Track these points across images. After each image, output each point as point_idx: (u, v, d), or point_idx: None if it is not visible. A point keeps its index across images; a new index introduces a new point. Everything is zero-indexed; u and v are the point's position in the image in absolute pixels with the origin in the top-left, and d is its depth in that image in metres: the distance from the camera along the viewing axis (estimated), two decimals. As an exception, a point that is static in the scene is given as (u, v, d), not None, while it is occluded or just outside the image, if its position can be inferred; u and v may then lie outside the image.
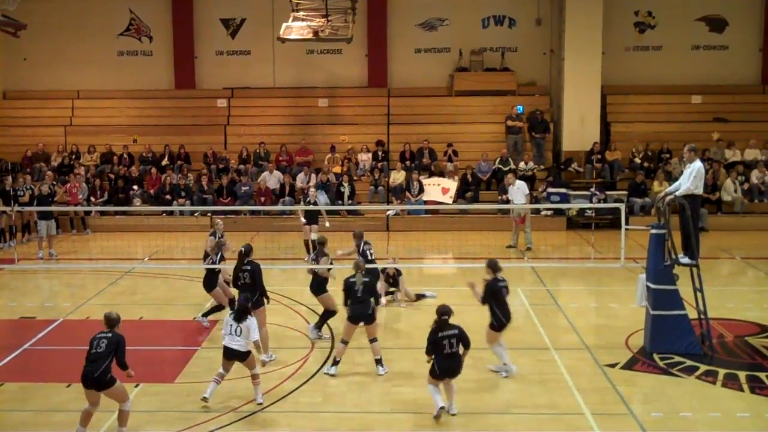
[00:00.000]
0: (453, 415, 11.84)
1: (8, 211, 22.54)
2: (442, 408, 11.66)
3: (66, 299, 18.02)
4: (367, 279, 13.55)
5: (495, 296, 13.21)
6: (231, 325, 12.18)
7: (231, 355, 12.21)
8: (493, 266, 13.28)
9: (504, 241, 22.97)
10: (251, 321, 12.24)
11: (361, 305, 13.40)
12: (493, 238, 23.31)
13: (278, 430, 11.60)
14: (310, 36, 24.74)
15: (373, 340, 13.59)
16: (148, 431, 11.46)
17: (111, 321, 11.35)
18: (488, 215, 25.30)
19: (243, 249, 14.32)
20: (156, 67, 30.84)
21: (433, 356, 11.72)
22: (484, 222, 25.00)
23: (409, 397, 12.59)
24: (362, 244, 16.27)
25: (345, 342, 13.53)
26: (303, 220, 21.01)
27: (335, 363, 13.53)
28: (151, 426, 11.65)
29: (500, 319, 13.24)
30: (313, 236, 20.24)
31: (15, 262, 20.11)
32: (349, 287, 13.52)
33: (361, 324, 13.46)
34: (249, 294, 13.86)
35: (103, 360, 10.91)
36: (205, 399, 12.12)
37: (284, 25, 24.63)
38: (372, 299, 13.62)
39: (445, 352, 11.67)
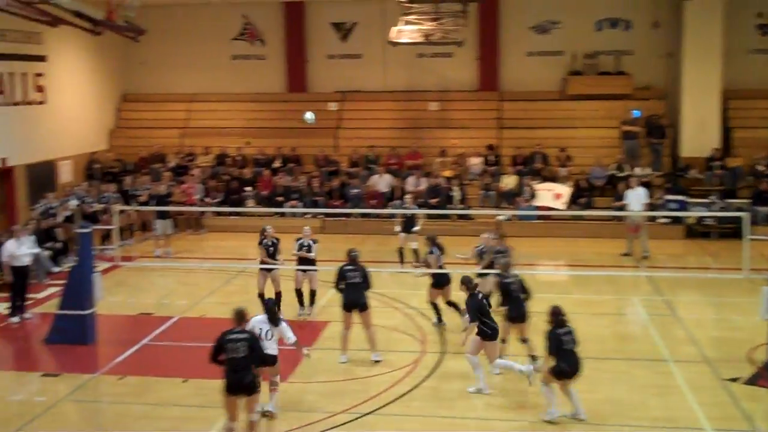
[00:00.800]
0: (582, 420, 11.62)
1: (127, 210, 23.28)
2: (557, 414, 11.54)
3: (182, 297, 18.42)
4: (518, 278, 13.87)
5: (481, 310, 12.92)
6: (262, 328, 11.79)
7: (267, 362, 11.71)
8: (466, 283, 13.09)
9: (618, 249, 22.40)
10: (283, 323, 12.03)
11: (518, 304, 13.64)
12: (607, 245, 22.84)
13: (389, 432, 11.57)
14: (420, 39, 24.67)
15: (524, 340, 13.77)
16: (262, 429, 11.54)
17: (243, 315, 10.91)
18: (602, 222, 24.72)
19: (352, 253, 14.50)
20: (269, 71, 31.28)
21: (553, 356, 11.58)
22: (598, 229, 24.43)
23: (522, 403, 12.38)
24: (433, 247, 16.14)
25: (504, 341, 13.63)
26: (398, 228, 20.86)
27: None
28: (263, 424, 11.75)
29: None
30: (413, 245, 20.36)
31: (133, 260, 20.78)
32: (506, 287, 13.71)
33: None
34: (356, 294, 14.03)
35: (248, 365, 10.58)
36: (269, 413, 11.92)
37: (395, 28, 24.64)
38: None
39: (566, 348, 11.57)
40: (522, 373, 12.65)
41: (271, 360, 11.72)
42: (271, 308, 12.12)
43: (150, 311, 17.46)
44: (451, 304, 15.76)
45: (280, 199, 26.39)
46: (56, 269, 20.64)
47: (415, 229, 20.60)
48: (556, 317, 11.73)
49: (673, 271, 20.51)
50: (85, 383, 13.47)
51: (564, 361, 11.52)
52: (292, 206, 25.82)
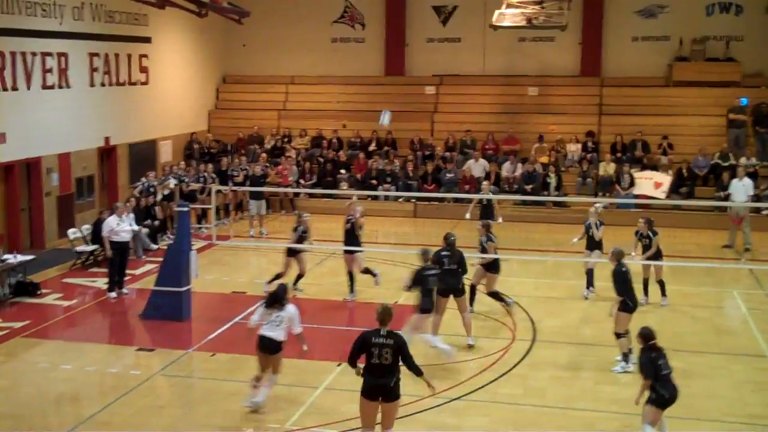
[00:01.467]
0: None
1: (224, 190, 23.64)
2: None
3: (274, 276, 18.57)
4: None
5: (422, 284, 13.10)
6: (272, 313, 11.42)
7: (267, 347, 11.46)
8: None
9: (720, 241, 21.70)
10: (292, 308, 11.56)
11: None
12: (708, 236, 22.18)
13: (477, 418, 11.43)
14: (523, 23, 24.22)
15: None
16: (349, 410, 11.54)
17: (387, 315, 9.94)
18: (704, 212, 23.95)
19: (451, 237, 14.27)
20: (367, 54, 31.30)
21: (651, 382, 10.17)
22: (700, 219, 23.69)
23: (614, 396, 12.08)
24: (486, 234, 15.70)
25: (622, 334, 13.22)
26: (468, 215, 20.51)
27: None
28: (352, 405, 11.73)
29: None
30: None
31: (229, 239, 21.08)
32: (622, 276, 13.20)
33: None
34: (453, 280, 13.77)
35: (394, 371, 9.72)
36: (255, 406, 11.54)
37: (497, 12, 24.27)
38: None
39: (662, 374, 10.14)
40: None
41: (277, 347, 11.48)
42: (277, 294, 11.62)
43: (243, 290, 17.69)
44: (494, 294, 15.76)
45: (374, 182, 26.41)
46: (154, 246, 21.13)
47: (496, 221, 19.13)
48: (646, 341, 10.36)
49: (777, 264, 19.78)
50: (179, 359, 13.72)
51: (664, 389, 10.19)
52: (386, 190, 25.81)
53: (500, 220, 20.06)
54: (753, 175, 23.51)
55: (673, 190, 24.69)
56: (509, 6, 24.00)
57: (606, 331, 14.22)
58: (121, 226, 17.27)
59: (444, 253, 14.10)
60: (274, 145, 28.59)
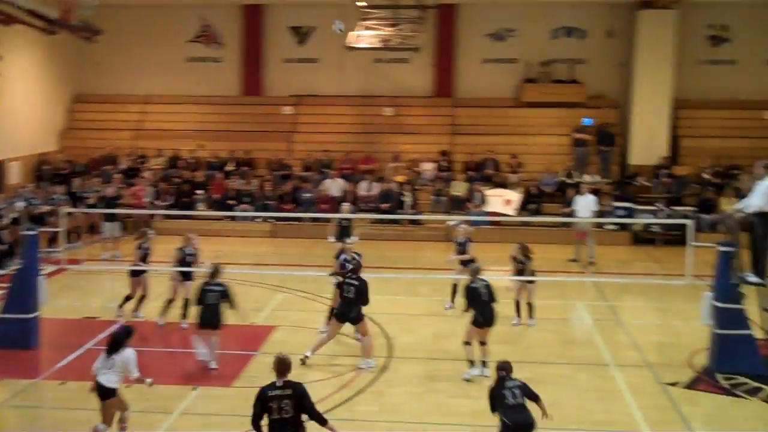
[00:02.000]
0: None
1: (75, 212, 23.02)
2: None
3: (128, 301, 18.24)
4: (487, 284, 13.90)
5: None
6: (108, 357, 10.66)
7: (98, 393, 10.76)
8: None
9: (567, 255, 22.68)
10: (128, 353, 10.74)
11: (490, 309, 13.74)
12: (556, 251, 23.05)
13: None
14: (378, 45, 24.76)
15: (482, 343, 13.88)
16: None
17: (284, 365, 9.46)
18: (551, 228, 25.00)
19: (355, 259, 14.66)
20: (224, 74, 31.17)
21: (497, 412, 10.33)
22: (547, 235, 24.67)
23: (467, 408, 12.47)
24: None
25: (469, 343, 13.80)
26: (331, 238, 19.82)
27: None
28: (208, 428, 11.74)
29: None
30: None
31: (81, 263, 20.55)
32: (473, 293, 13.72)
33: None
34: (351, 308, 14.10)
35: (298, 427, 9.26)
36: None
37: (353, 33, 24.70)
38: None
39: (508, 403, 10.21)
40: None
41: (110, 393, 10.75)
42: (115, 338, 10.86)
43: (95, 315, 17.31)
44: None
45: (232, 202, 26.29)
46: (1, 272, 20.38)
47: (351, 239, 18.71)
48: (500, 372, 10.53)
49: (619, 276, 20.82)
50: (26, 388, 13.33)
51: (513, 415, 10.26)
52: (244, 210, 25.74)
53: (356, 238, 20.27)
54: (596, 192, 24.67)
55: (522, 207, 25.58)
56: (365, 28, 24.47)
57: (460, 346, 14.74)
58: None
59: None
60: (128, 166, 28.05)
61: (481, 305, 13.70)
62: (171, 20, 30.89)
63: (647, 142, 27.57)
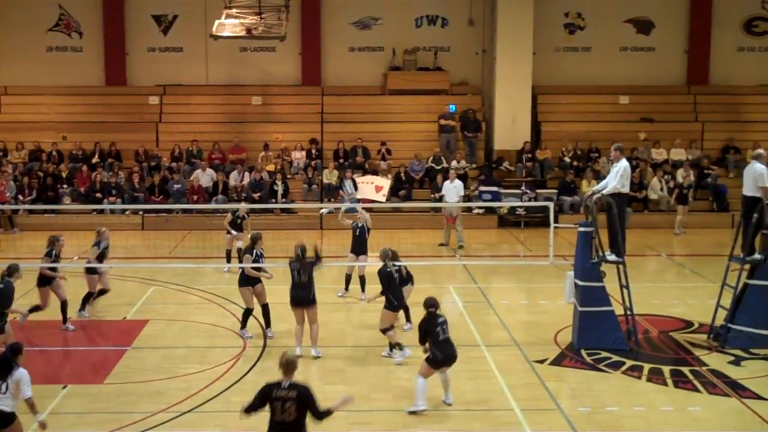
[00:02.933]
0: (449, 404, 12.15)
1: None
2: (423, 410, 11.85)
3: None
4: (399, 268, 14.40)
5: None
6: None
7: None
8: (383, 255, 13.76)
9: (437, 240, 23.20)
10: (21, 373, 9.71)
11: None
12: (426, 236, 23.55)
13: (209, 430, 11.56)
14: (243, 33, 24.57)
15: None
16: (77, 433, 11.35)
17: (292, 366, 8.95)
18: (421, 213, 25.52)
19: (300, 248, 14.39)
20: (86, 64, 30.35)
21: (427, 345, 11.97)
22: (417, 220, 25.20)
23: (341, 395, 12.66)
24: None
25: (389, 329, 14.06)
26: (233, 232, 19.82)
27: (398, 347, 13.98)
28: (80, 428, 11.54)
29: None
30: (239, 244, 19.66)
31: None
32: (387, 276, 14.04)
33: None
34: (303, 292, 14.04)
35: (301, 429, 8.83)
36: None
37: (217, 22, 24.44)
38: None
39: (440, 339, 11.89)
40: None
41: (7, 420, 9.59)
42: (3, 359, 9.91)
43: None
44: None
45: (99, 195, 25.71)
46: None
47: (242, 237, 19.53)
48: (429, 309, 12.12)
49: (487, 259, 21.42)
50: None
51: (438, 351, 11.92)
52: (111, 203, 25.21)
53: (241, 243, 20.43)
54: (463, 177, 25.29)
55: (393, 193, 26.03)
56: (229, 16, 24.26)
57: (333, 332, 14.98)
58: None
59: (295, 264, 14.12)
60: (-13, 160, 27.03)
61: (395, 289, 14.09)
62: (27, 8, 29.95)
63: (510, 127, 28.41)
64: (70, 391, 12.69)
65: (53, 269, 15.59)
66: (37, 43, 30.13)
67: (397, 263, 14.37)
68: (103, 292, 16.54)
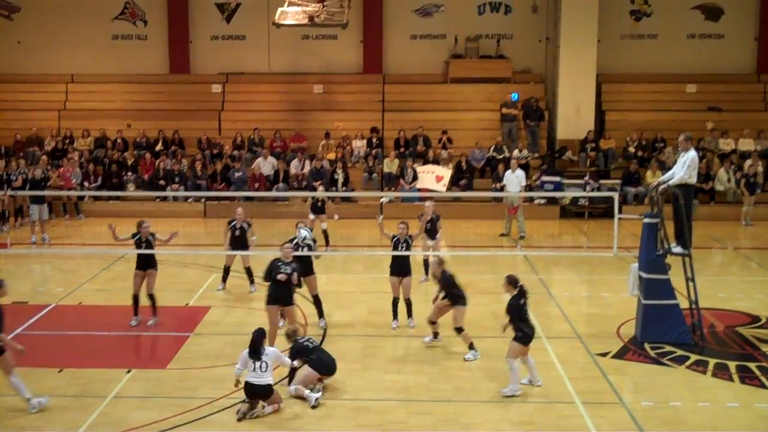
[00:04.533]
0: (539, 386, 12.43)
1: (0, 195, 22.54)
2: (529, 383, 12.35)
3: (58, 284, 18.04)
4: None
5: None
6: (254, 361, 11.48)
7: (258, 394, 11.52)
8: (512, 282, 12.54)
9: (497, 230, 23.01)
10: (271, 350, 11.80)
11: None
12: (487, 226, 23.38)
13: (269, 416, 11.60)
14: (305, 21, 24.64)
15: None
16: (139, 417, 11.48)
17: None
18: (482, 203, 25.33)
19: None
20: (150, 52, 30.71)
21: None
22: (478, 210, 25.01)
23: (402, 385, 12.65)
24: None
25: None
26: (310, 216, 20.67)
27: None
28: (143, 411, 11.68)
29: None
30: (323, 226, 20.78)
31: (8, 247, 20.15)
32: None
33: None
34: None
35: None
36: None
37: (280, 9, 24.55)
38: None
39: (527, 316, 12.38)
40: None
41: (269, 390, 11.52)
42: (255, 339, 11.59)
43: (25, 300, 16.99)
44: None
45: (162, 182, 26.02)
46: (-76, 257, 19.92)
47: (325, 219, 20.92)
48: (516, 286, 12.35)
49: (549, 250, 21.17)
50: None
51: (528, 328, 12.29)
52: (174, 190, 25.49)
53: (336, 217, 21.54)
54: (525, 167, 25.03)
55: (453, 183, 25.87)
56: (291, 4, 24.33)
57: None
58: None
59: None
60: (54, 147, 27.52)
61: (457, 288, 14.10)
62: (93, -4, 30.31)
63: (574, 116, 28.03)
64: (134, 376, 12.87)
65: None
66: (102, 31, 30.59)
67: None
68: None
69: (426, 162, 26.51)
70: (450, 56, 30.05)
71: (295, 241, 15.10)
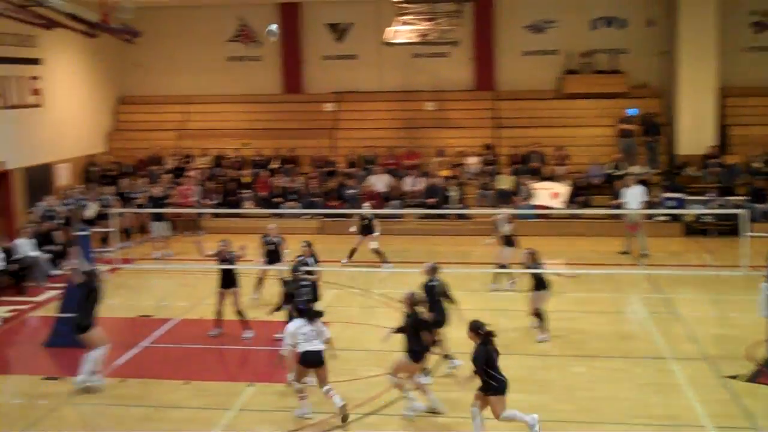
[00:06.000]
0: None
1: (125, 212, 23.25)
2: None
3: (181, 299, 18.43)
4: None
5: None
6: (306, 329, 11.96)
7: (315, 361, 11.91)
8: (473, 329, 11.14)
9: (616, 247, 22.46)
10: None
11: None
12: (606, 243, 22.88)
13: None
14: (416, 39, 24.70)
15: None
16: (263, 431, 11.57)
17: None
18: (600, 220, 24.76)
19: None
20: (265, 72, 31.26)
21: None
22: (596, 227, 24.47)
23: (522, 404, 12.41)
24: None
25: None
26: (353, 229, 21.44)
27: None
28: (265, 425, 11.79)
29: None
30: (373, 245, 20.88)
31: (132, 262, 20.76)
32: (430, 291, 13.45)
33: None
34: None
35: None
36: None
37: (390, 29, 24.67)
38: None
39: (497, 363, 10.90)
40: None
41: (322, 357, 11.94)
42: (311, 307, 12.45)
43: (149, 313, 17.45)
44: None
45: (278, 200, 26.40)
46: (55, 272, 20.65)
47: (374, 234, 21.05)
48: (477, 332, 10.95)
49: (672, 268, 20.44)
50: (86, 386, 13.45)
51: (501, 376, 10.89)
52: (290, 207, 25.81)
53: (375, 243, 21.05)
54: (644, 183, 24.39)
55: (570, 200, 25.38)
56: (402, 23, 24.43)
57: (512, 339, 14.75)
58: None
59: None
60: (174, 166, 28.27)
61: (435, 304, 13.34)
62: (209, 20, 31.03)
63: (694, 131, 27.19)
64: (257, 389, 12.98)
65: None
66: (217, 53, 31.28)
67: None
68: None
69: (541, 178, 26.13)
70: (563, 72, 29.62)
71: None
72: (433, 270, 13.63)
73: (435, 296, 13.31)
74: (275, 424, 11.85)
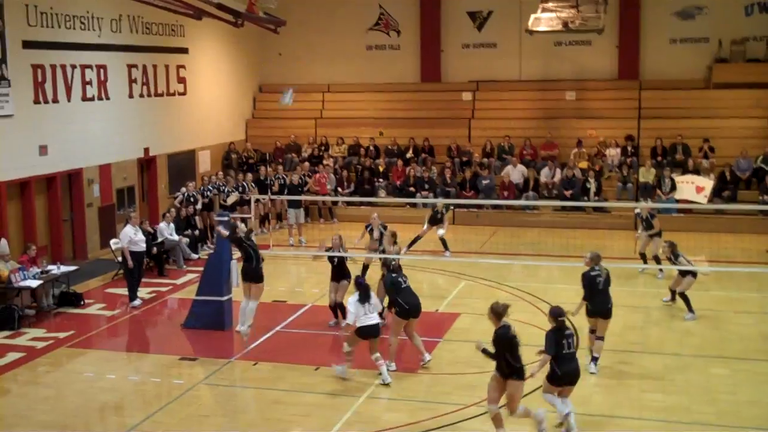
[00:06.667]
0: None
1: (262, 199, 23.71)
2: (568, 414, 10.88)
3: (313, 285, 18.60)
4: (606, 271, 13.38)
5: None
6: (365, 305, 12.79)
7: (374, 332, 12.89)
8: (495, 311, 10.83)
9: (763, 245, 21.38)
10: (374, 296, 13.21)
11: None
12: (753, 241, 21.82)
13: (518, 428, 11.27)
14: (559, 27, 24.08)
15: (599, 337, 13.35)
16: (391, 419, 11.51)
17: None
18: (748, 216, 23.59)
19: None
20: (403, 61, 31.26)
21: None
22: (743, 223, 23.33)
23: (660, 404, 11.94)
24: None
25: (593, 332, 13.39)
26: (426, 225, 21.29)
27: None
28: (394, 414, 11.74)
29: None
30: (440, 232, 20.87)
31: (269, 248, 21.08)
32: (591, 281, 13.14)
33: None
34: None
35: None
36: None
37: (533, 16, 24.16)
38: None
39: (563, 352, 10.86)
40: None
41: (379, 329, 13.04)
42: (367, 286, 13.13)
43: (283, 299, 17.71)
44: None
45: (412, 189, 26.35)
46: (194, 256, 21.26)
47: (443, 227, 21.04)
48: (556, 318, 10.96)
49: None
50: (221, 368, 13.74)
51: (561, 367, 10.87)
52: (424, 197, 25.73)
53: (442, 231, 20.89)
54: (798, 177, 23.14)
55: (716, 194, 24.34)
56: (545, 10, 23.88)
57: (649, 336, 14.22)
58: (138, 236, 17.47)
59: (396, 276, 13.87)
60: (311, 154, 28.64)
61: (597, 294, 13.15)
62: (350, 9, 31.25)
63: None
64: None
65: None
66: (357, 42, 31.49)
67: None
68: None
69: (685, 171, 25.14)
70: (713, 60, 28.36)
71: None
72: (596, 259, 13.39)
73: (597, 286, 13.10)
74: (404, 412, 11.79)
